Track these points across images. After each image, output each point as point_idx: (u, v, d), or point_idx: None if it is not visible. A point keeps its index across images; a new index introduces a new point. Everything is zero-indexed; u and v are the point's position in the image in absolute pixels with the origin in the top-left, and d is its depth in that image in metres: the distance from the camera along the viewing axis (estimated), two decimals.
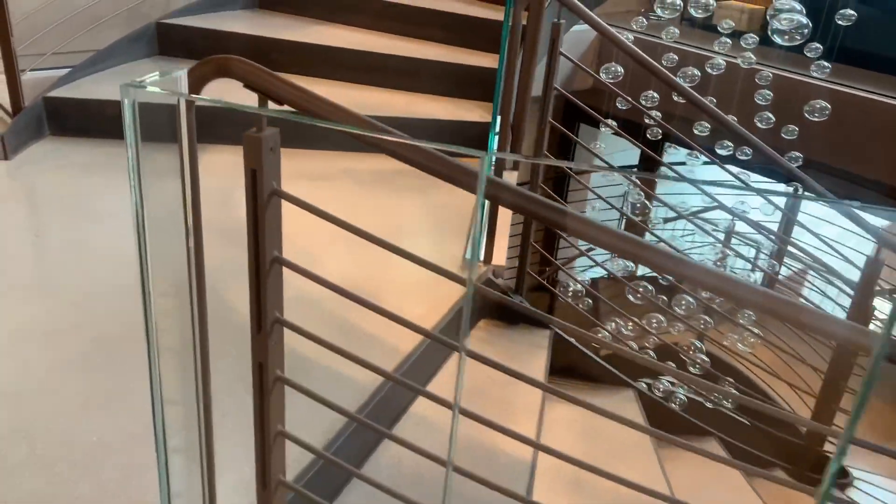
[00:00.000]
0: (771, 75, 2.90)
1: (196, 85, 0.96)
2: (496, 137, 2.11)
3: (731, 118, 2.55)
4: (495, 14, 3.45)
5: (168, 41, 3.25)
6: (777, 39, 2.37)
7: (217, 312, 1.10)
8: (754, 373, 3.44)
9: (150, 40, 3.21)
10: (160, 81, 0.85)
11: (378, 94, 3.17)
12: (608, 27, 2.03)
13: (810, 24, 2.35)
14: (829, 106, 2.60)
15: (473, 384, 1.94)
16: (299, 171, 2.78)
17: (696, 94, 2.26)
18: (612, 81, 2.90)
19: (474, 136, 2.97)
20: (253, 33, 3.30)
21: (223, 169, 2.71)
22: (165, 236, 1.01)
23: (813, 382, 3.16)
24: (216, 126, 2.92)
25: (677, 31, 2.76)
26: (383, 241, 1.10)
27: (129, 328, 1.81)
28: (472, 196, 2.82)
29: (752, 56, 2.56)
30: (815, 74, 2.45)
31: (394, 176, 2.82)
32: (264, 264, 0.96)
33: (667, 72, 2.16)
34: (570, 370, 2.36)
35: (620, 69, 2.94)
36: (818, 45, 3.02)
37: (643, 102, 2.66)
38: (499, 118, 2.17)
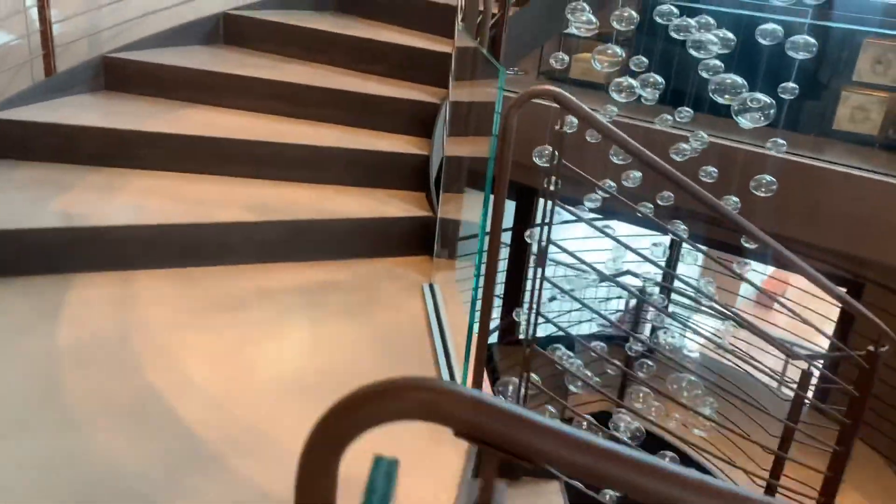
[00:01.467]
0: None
1: None
2: (486, 241, 1.77)
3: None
4: (395, 91, 3.09)
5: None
6: (742, 120, 2.22)
7: None
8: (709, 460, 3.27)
9: None
10: None
11: (278, 190, 2.68)
12: (611, 127, 1.75)
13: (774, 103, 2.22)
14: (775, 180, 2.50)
15: None
16: (204, 298, 2.24)
17: (685, 178, 2.03)
18: (547, 164, 2.65)
19: (403, 233, 2.57)
20: (110, 126, 2.69)
21: (98, 311, 2.10)
22: None
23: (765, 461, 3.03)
24: (85, 246, 2.29)
25: (615, 109, 2.55)
26: None
27: None
28: (422, 313, 2.37)
29: (704, 135, 2.40)
30: (771, 151, 2.32)
31: (322, 292, 2.35)
32: None
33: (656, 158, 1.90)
34: None
35: (549, 149, 2.70)
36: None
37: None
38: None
